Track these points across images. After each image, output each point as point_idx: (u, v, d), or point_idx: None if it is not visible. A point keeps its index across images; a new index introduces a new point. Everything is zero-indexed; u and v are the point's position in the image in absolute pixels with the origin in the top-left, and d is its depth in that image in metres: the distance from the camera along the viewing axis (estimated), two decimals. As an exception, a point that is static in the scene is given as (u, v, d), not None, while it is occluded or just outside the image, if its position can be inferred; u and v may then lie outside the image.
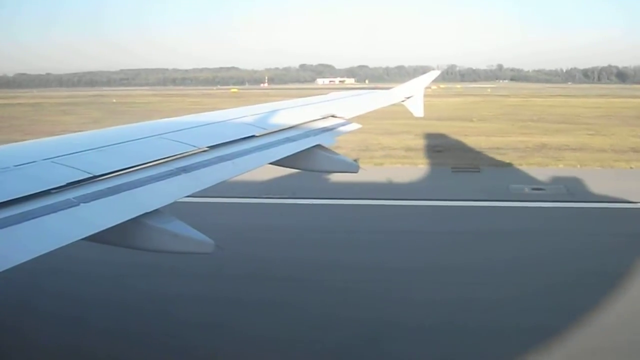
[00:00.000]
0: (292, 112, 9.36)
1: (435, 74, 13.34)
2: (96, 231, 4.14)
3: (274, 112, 8.75)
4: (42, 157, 5.01)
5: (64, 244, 3.83)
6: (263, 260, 13.22)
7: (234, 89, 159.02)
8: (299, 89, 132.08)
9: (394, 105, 12.06)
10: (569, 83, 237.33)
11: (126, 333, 9.88)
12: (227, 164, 5.98)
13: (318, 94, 11.93)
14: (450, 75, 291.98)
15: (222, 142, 6.55)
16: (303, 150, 7.29)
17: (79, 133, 6.93)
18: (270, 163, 6.80)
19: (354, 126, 9.12)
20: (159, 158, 5.62)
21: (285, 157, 6.92)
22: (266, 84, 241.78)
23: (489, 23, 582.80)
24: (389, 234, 15.60)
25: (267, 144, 6.98)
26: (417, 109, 12.18)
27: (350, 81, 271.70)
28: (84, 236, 4.06)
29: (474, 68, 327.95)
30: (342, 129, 8.72)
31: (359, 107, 10.53)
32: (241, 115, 8.25)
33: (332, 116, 9.06)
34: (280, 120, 8.20)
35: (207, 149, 6.24)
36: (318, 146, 7.59)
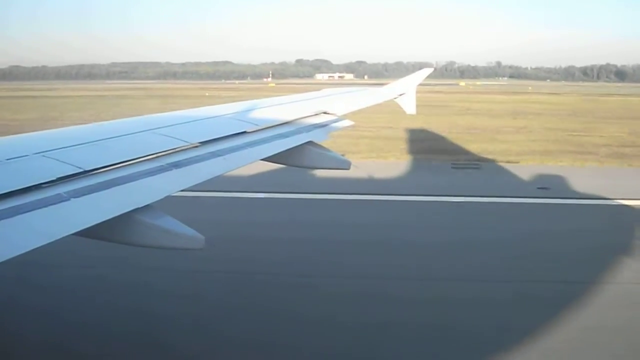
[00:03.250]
0: (284, 108, 9.39)
1: (428, 71, 13.34)
2: (87, 226, 4.14)
3: (265, 108, 8.80)
4: (33, 151, 5.01)
5: (54, 239, 3.82)
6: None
7: (272, 84, 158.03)
8: (310, 84, 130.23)
9: (386, 102, 12.08)
10: (547, 81, 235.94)
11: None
12: (219, 160, 6.00)
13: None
14: (449, 72, 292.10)
15: (213, 137, 6.57)
16: (295, 147, 7.32)
17: (71, 127, 6.93)
18: (262, 159, 6.84)
19: (346, 123, 9.16)
20: (151, 153, 5.64)
21: (276, 154, 6.96)
22: (270, 79, 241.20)
23: (486, 20, 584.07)
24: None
25: (258, 140, 7.01)
26: (409, 106, 12.24)
27: (349, 76, 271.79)
28: (74, 231, 4.06)
29: (473, 65, 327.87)
30: (334, 125, 8.75)
31: (351, 103, 10.56)
32: (233, 111, 8.27)
33: (324, 113, 9.10)
34: (272, 117, 8.25)
35: (198, 144, 6.28)
36: (310, 143, 7.62)
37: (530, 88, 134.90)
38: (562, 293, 11.26)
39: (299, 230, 15.61)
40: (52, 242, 3.79)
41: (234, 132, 6.97)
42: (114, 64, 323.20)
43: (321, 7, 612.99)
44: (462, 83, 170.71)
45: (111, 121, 7.41)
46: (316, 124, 8.46)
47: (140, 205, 4.65)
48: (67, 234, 3.97)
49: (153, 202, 4.81)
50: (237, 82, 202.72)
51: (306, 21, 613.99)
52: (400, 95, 12.29)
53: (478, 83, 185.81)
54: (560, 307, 10.50)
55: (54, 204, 4.20)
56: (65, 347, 9.18)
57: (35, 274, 11.04)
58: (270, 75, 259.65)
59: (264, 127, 7.60)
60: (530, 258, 13.21)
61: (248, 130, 7.23)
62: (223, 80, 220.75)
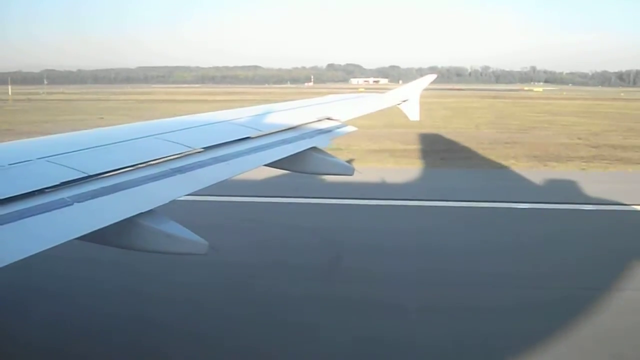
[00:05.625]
0: (288, 114, 9.42)
1: (431, 77, 13.28)
2: (90, 231, 4.17)
3: (269, 113, 8.81)
4: (36, 156, 5.07)
5: (57, 244, 3.86)
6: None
7: (361, 89, 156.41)
8: (352, 89, 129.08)
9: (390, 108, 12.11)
10: (569, 85, 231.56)
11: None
12: (222, 166, 6.04)
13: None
14: (484, 76, 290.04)
15: (216, 143, 6.61)
16: (298, 153, 7.34)
17: (74, 132, 7.00)
18: (265, 165, 6.86)
19: (350, 129, 9.16)
20: (154, 158, 5.69)
21: (280, 159, 6.98)
22: (311, 83, 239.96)
23: (520, 25, 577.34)
24: None
25: (262, 146, 7.04)
26: (413, 112, 12.22)
27: (384, 81, 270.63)
28: (77, 235, 4.09)
29: (508, 70, 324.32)
30: (337, 131, 8.78)
31: (355, 109, 10.57)
32: (236, 116, 8.30)
33: (328, 119, 9.11)
34: (276, 122, 8.28)
35: (201, 150, 6.31)
36: (313, 148, 7.65)
37: (622, 94, 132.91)
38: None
39: (300, 235, 15.56)
40: (55, 247, 3.82)
41: (238, 138, 7.01)
42: (141, 68, 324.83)
43: (351, 11, 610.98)
44: (539, 89, 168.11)
45: (114, 126, 7.49)
46: (320, 129, 8.48)
47: (143, 210, 4.69)
48: (70, 239, 4.00)
49: (156, 207, 4.85)
50: (308, 85, 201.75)
51: (336, 26, 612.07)
52: (404, 101, 12.28)
53: (538, 89, 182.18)
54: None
55: (57, 208, 4.24)
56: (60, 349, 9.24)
57: (36, 277, 11.15)
58: (312, 79, 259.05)
59: (267, 132, 7.64)
60: None
61: (251, 136, 7.26)
62: (267, 85, 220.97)
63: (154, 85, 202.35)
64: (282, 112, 9.43)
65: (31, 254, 3.66)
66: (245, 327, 9.88)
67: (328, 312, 10.47)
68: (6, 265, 3.50)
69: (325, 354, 9.17)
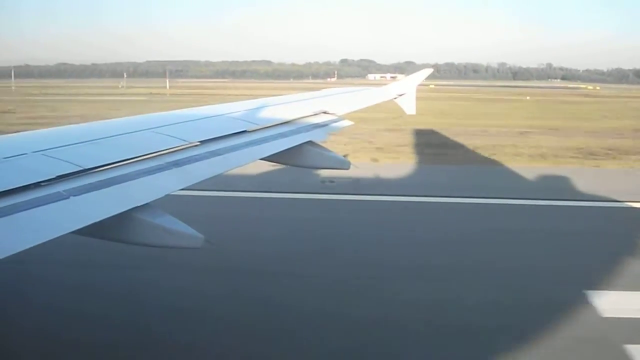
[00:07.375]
0: (284, 108, 9.42)
1: (428, 71, 13.26)
2: (86, 224, 4.19)
3: (265, 107, 8.78)
4: (32, 149, 5.07)
5: (52, 237, 3.87)
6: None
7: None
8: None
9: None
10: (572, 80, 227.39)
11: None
12: (218, 159, 6.05)
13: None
14: (501, 73, 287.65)
15: (213, 137, 6.61)
16: (294, 147, 7.34)
17: (70, 126, 7.03)
18: (261, 159, 6.90)
19: (346, 123, 9.16)
20: (151, 152, 5.68)
21: (276, 153, 7.01)
22: (335, 78, 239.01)
23: (536, 21, 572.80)
24: None
25: (258, 140, 7.04)
26: (409, 106, 12.25)
27: (401, 77, 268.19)
28: (73, 229, 4.10)
29: (525, 67, 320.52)
30: (333, 125, 8.77)
31: (351, 103, 10.59)
32: (233, 110, 8.29)
33: (324, 112, 9.10)
34: (272, 116, 8.27)
35: (198, 143, 6.32)
36: (309, 142, 7.66)
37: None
38: None
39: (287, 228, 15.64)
40: (50, 240, 3.84)
41: (234, 131, 7.01)
42: (150, 62, 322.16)
43: (364, 5, 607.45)
44: (591, 87, 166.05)
45: (111, 120, 7.49)
46: (316, 123, 8.48)
47: (139, 204, 4.71)
48: (65, 232, 4.00)
49: (152, 201, 4.86)
50: (331, 80, 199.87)
51: (348, 20, 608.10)
52: (400, 95, 12.29)
53: (590, 87, 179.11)
54: None
55: (53, 201, 4.24)
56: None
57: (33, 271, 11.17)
58: (336, 75, 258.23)
59: (264, 126, 7.65)
60: None
61: (248, 130, 7.26)
62: (291, 80, 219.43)
63: (179, 80, 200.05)
64: (279, 106, 9.43)
65: (27, 247, 3.67)
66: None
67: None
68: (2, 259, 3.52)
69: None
